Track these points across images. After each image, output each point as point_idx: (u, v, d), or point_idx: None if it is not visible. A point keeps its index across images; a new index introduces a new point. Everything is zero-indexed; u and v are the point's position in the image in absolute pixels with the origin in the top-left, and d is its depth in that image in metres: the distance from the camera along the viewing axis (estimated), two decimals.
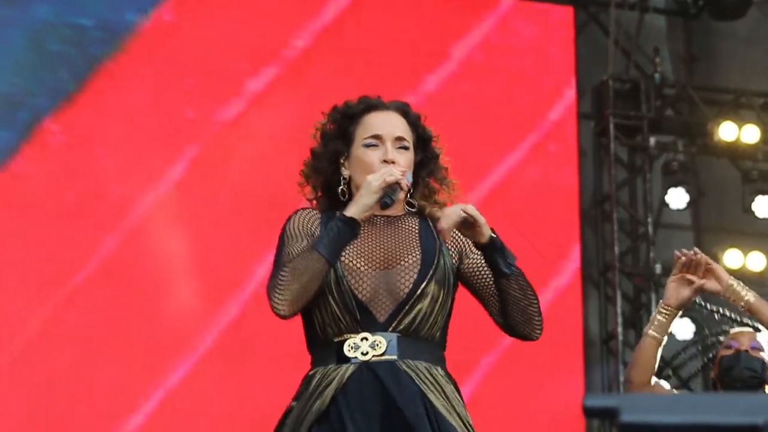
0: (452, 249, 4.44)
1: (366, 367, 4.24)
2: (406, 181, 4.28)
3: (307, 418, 4.22)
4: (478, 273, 4.38)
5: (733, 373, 5.76)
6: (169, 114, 10.09)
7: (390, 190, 4.24)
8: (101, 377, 9.51)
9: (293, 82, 10.25)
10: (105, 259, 9.74)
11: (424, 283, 4.30)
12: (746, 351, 5.76)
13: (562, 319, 10.67)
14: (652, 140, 11.44)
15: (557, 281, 10.94)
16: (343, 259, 4.27)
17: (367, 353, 4.19)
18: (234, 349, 9.62)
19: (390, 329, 4.26)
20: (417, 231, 4.39)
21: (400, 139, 4.43)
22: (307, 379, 4.34)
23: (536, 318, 4.29)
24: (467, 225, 4.18)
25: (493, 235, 4.21)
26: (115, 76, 10.08)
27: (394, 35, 10.52)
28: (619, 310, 10.98)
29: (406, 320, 4.27)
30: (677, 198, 11.17)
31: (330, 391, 4.22)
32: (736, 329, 6.22)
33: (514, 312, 4.30)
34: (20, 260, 9.73)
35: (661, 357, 5.58)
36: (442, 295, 4.35)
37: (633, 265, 11.27)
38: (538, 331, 4.29)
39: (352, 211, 4.25)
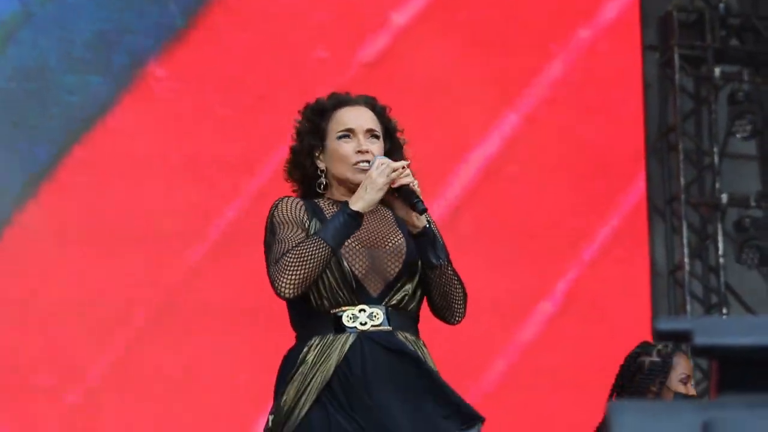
0: None
1: (364, 336, 3.00)
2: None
3: (312, 386, 2.96)
4: None
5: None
6: (297, 54, 5.48)
7: (415, 195, 3.00)
8: (220, 373, 5.25)
9: (445, 13, 5.74)
10: (224, 231, 5.23)
11: (412, 265, 3.10)
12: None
13: (628, 250, 7.77)
14: (717, 70, 7.28)
15: (622, 211, 7.99)
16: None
17: (365, 323, 3.01)
18: None
19: (383, 303, 3.06)
20: (392, 218, 3.18)
21: (370, 130, 3.22)
22: (307, 346, 3.01)
23: (457, 307, 3.13)
24: (403, 206, 3.06)
25: (427, 225, 3.09)
26: (232, 8, 5.40)
27: None
28: (685, 241, 7.10)
29: (397, 297, 3.08)
30: (743, 128, 7.28)
31: (333, 361, 2.97)
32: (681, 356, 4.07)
33: (436, 297, 3.13)
34: (123, 233, 5.12)
35: None
36: (420, 275, 3.12)
37: (699, 196, 7.27)
38: (458, 317, 3.15)
39: (359, 206, 3.01)
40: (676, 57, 7.34)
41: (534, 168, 6.01)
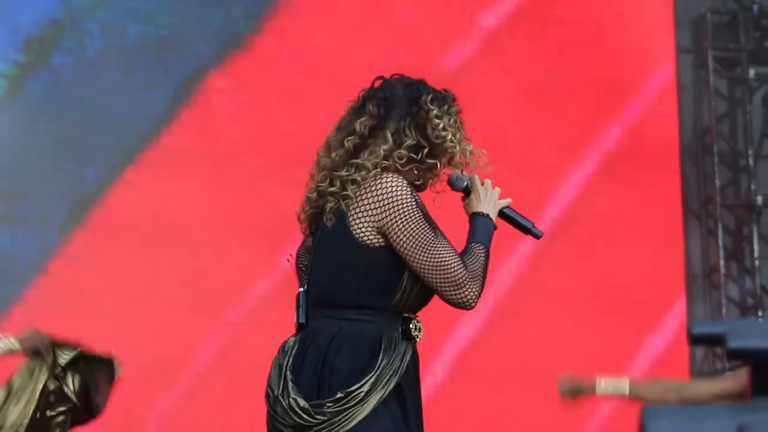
0: None
1: (413, 346, 2.44)
2: None
3: (389, 385, 2.34)
4: None
5: None
6: (374, 60, 4.08)
7: (528, 221, 2.48)
8: None
9: (538, 13, 4.42)
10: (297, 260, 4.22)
11: None
12: None
13: (664, 254, 6.73)
14: (752, 72, 6.22)
15: (658, 215, 6.88)
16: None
17: (417, 336, 2.43)
18: None
19: None
20: None
21: None
22: (382, 343, 2.35)
23: None
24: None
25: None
26: (300, 10, 4.08)
27: None
28: (720, 243, 6.08)
29: None
30: None
31: (404, 366, 2.37)
32: None
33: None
34: (181, 266, 3.87)
35: None
36: None
37: (734, 198, 6.20)
38: None
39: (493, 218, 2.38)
40: (710, 59, 6.26)
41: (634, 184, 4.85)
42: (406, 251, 2.32)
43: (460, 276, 2.34)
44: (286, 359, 2.32)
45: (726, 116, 6.52)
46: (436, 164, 2.34)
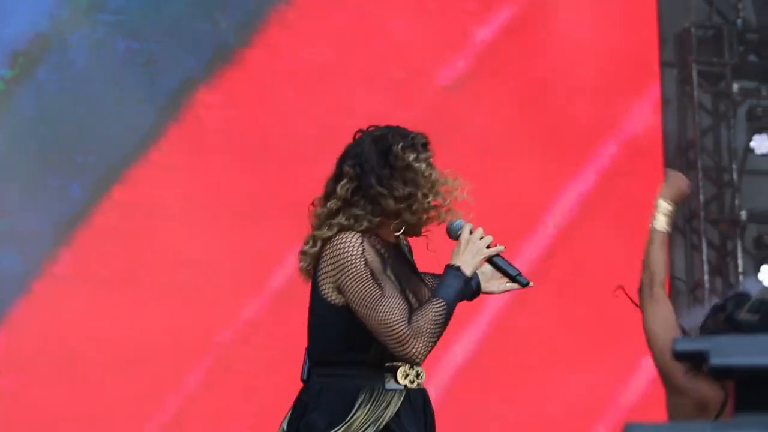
0: None
1: (409, 393, 2.44)
2: None
3: (366, 431, 2.36)
4: None
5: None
6: (367, 75, 3.98)
7: (514, 269, 2.50)
8: None
9: (536, 24, 4.27)
10: (287, 280, 3.67)
11: None
12: None
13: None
14: (736, 86, 6.18)
15: (641, 230, 6.83)
16: (408, 295, 2.42)
17: (413, 382, 2.44)
18: None
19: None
20: (412, 265, 2.51)
21: None
22: (359, 397, 2.39)
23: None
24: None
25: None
26: (292, 23, 3.92)
27: None
28: (704, 258, 6.03)
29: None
30: (762, 144, 6.13)
31: (386, 417, 2.40)
32: None
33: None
34: (170, 286, 3.78)
35: None
36: None
37: (718, 213, 6.16)
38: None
39: (470, 271, 2.40)
40: (695, 73, 6.23)
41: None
42: (355, 309, 2.36)
43: (401, 333, 2.36)
44: (286, 418, 2.40)
45: (710, 130, 6.50)
46: (418, 209, 2.38)
